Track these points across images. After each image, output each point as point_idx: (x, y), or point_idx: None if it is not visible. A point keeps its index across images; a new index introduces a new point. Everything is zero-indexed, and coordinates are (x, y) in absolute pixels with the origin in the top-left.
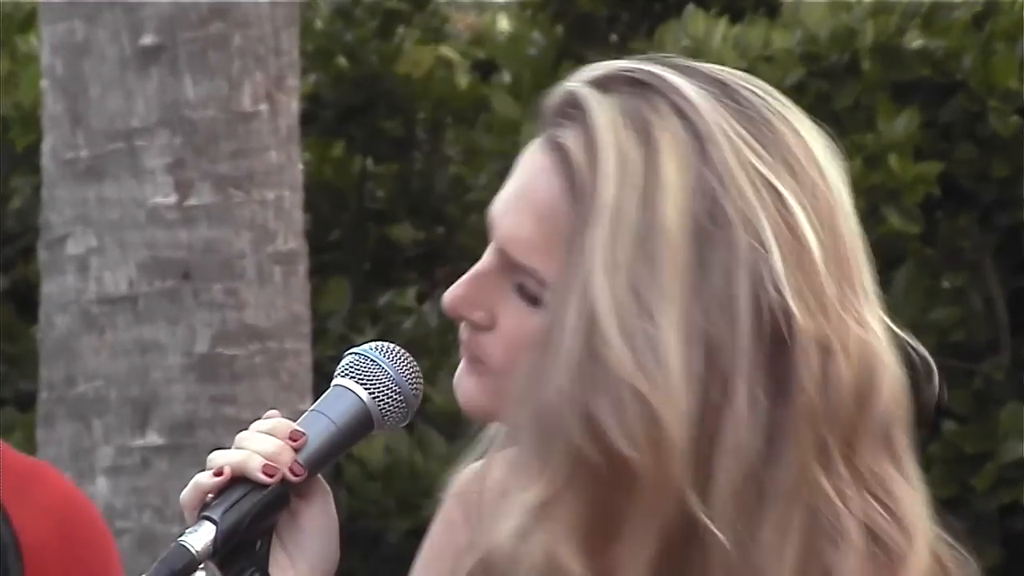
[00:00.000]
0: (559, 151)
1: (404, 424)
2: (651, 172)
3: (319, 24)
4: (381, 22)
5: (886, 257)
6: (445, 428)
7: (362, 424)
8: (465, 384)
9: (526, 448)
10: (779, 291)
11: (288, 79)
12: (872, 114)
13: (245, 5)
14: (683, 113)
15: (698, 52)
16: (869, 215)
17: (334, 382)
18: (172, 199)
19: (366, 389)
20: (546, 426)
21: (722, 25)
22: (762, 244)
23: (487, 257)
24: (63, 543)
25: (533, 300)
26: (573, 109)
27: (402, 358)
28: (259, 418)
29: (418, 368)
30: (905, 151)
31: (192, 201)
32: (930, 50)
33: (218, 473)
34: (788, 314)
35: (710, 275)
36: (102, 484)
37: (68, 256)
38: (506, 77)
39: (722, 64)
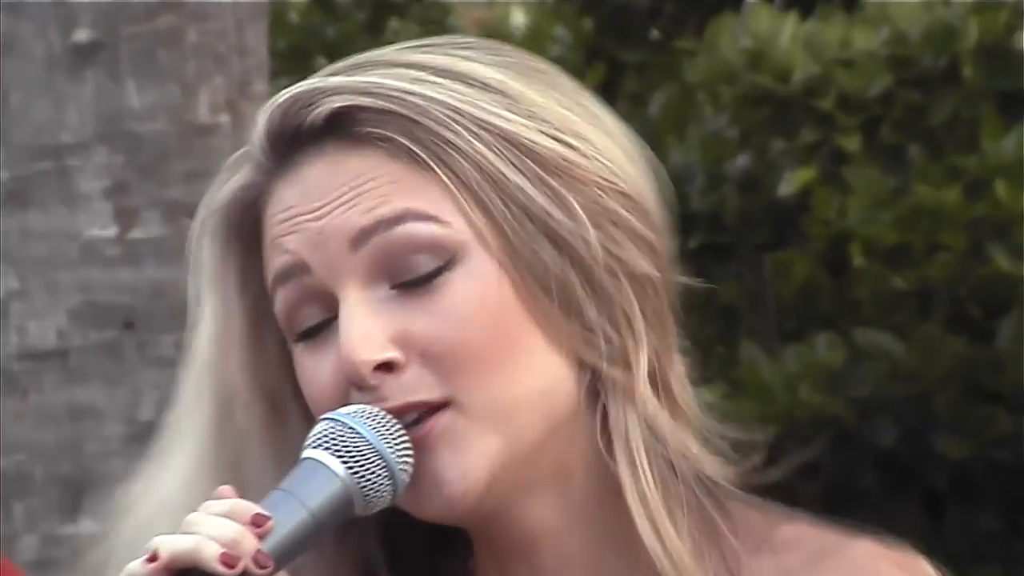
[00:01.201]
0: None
1: (389, 506)
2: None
3: (294, 17)
4: (370, 14)
5: (990, 303)
6: None
7: (340, 506)
8: (459, 464)
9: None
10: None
11: (254, 84)
12: (975, 131)
13: None
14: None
15: (760, 54)
16: (971, 253)
17: (304, 454)
18: (112, 231)
19: (344, 463)
20: (610, 295)
21: (791, 21)
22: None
23: (347, 296)
24: None
25: (427, 277)
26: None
27: (387, 425)
28: (210, 498)
29: (407, 437)
30: (1015, 176)
31: (137, 234)
32: None
33: (152, 559)
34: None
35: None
36: None
37: None
38: None
39: (791, 68)
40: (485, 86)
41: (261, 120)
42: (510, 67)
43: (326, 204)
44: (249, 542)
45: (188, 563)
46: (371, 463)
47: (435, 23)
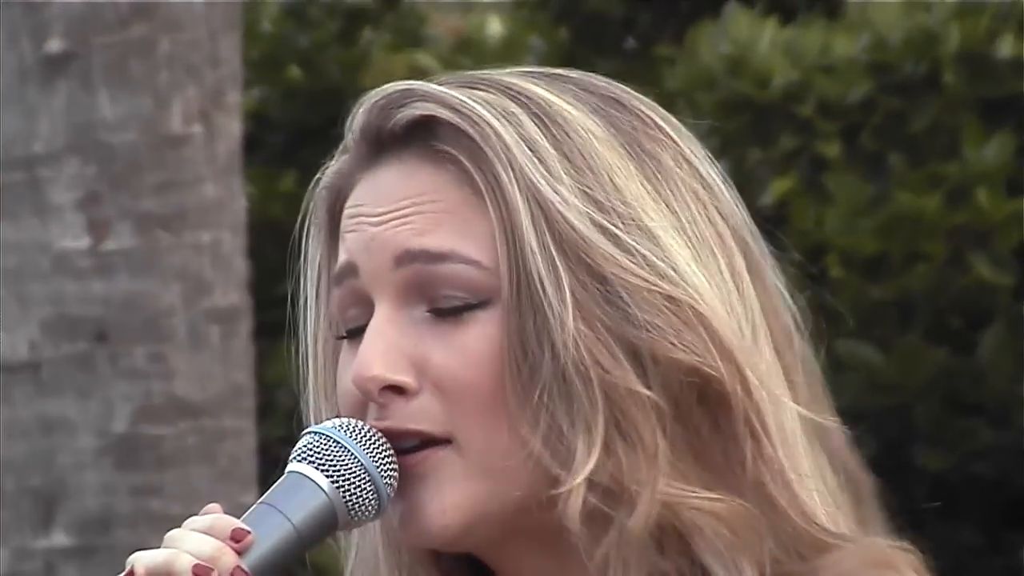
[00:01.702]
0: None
1: (374, 520)
2: (544, 106)
3: (266, 26)
4: (343, 24)
5: (971, 313)
6: None
7: (324, 521)
8: (442, 500)
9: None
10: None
11: (228, 94)
12: (956, 138)
13: (175, 4)
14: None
15: (741, 59)
16: (951, 262)
17: (288, 468)
18: (84, 243)
19: (328, 477)
20: (577, 394)
21: (770, 26)
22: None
23: (380, 309)
24: None
25: (459, 309)
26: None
27: (372, 438)
28: (194, 514)
29: (392, 451)
30: (996, 184)
31: (109, 245)
32: None
33: (129, 574)
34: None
35: (660, 169)
36: None
37: None
38: None
39: (771, 74)
40: (565, 141)
41: (360, 112)
42: (616, 127)
43: (387, 212)
44: (228, 558)
45: None
46: (356, 476)
47: (409, 32)
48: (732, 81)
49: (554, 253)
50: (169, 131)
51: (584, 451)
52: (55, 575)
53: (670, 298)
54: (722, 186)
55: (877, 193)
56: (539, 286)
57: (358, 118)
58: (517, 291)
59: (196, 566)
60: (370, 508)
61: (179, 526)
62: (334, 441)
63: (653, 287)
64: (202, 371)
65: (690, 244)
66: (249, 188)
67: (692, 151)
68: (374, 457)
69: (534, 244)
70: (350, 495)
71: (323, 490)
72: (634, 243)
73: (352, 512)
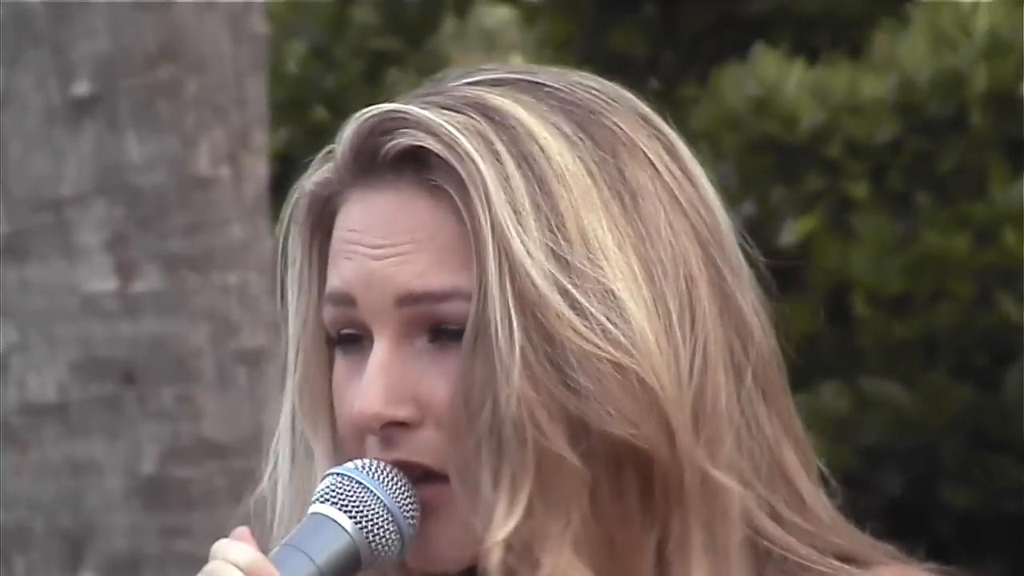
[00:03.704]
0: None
1: (397, 558)
2: (519, 141)
3: (292, 67)
4: (368, 64)
5: (996, 352)
6: None
7: (347, 561)
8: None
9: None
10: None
11: (255, 135)
12: (983, 178)
13: (202, 45)
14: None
15: (768, 100)
16: (978, 301)
17: (311, 509)
18: (112, 284)
19: (352, 519)
20: (510, 451)
21: (798, 67)
22: (670, 171)
23: (381, 343)
24: None
25: (460, 334)
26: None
27: (394, 479)
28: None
29: (411, 488)
30: (1022, 224)
31: (137, 287)
32: None
33: None
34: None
35: (637, 207)
36: None
37: None
38: None
39: (798, 115)
40: (540, 182)
41: (349, 131)
42: (593, 154)
43: (385, 247)
44: None
45: None
46: (379, 517)
47: (434, 72)
48: (758, 122)
49: (511, 307)
50: (196, 172)
51: (504, 511)
52: None
53: (617, 365)
54: (700, 193)
55: (905, 233)
56: (494, 336)
57: (347, 135)
58: (475, 336)
59: None
60: (393, 546)
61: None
62: (356, 482)
63: (602, 353)
64: (230, 412)
65: (650, 295)
66: (276, 229)
67: (670, 158)
68: (395, 496)
69: (496, 294)
70: (373, 535)
71: (346, 531)
72: (590, 306)
73: (375, 551)
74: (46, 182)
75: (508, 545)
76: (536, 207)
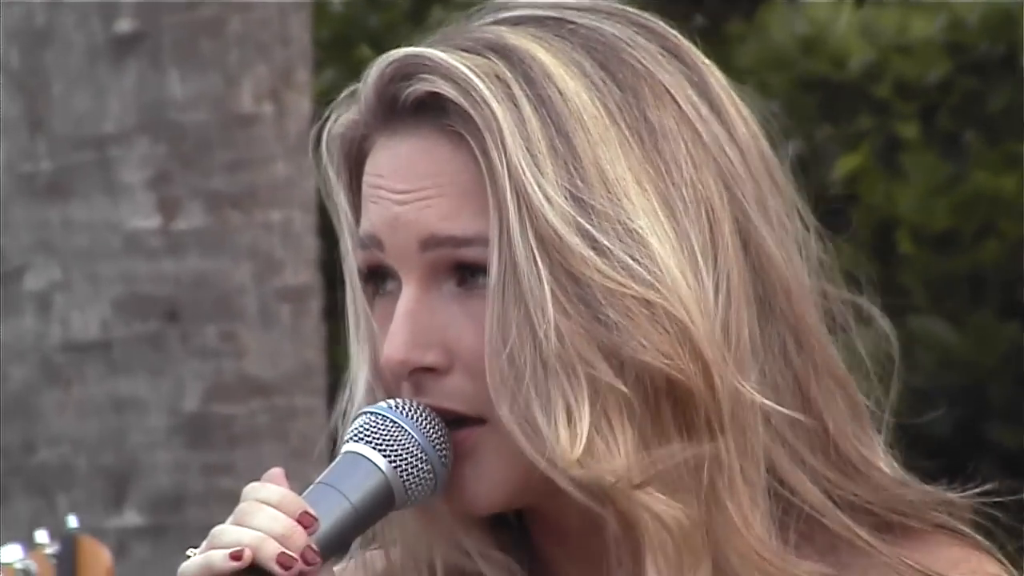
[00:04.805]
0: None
1: (430, 497)
2: (534, 81)
3: (336, 6)
4: (413, 3)
5: None
6: None
7: (382, 499)
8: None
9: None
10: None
11: (298, 73)
12: None
13: None
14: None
15: (817, 39)
16: None
17: (345, 448)
18: (155, 222)
19: (386, 457)
20: (560, 384)
21: (847, 8)
22: (693, 107)
23: (408, 288)
24: None
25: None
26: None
27: (427, 417)
28: (256, 479)
29: (444, 428)
30: None
31: (180, 224)
32: None
33: (236, 556)
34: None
35: (657, 143)
36: None
37: (26, 292)
38: None
39: (848, 54)
40: (558, 125)
41: (372, 76)
42: (616, 96)
43: (409, 191)
44: (299, 538)
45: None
46: (412, 456)
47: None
48: (807, 61)
49: (535, 251)
50: (239, 110)
51: (568, 441)
52: (127, 554)
53: (644, 301)
54: (728, 129)
55: (954, 172)
56: (523, 279)
57: (371, 81)
58: (503, 281)
59: (281, 554)
60: (427, 486)
61: (245, 499)
62: (390, 421)
63: (627, 291)
64: (273, 350)
65: (672, 232)
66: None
67: (697, 95)
68: (429, 435)
69: (519, 240)
70: (407, 474)
71: (381, 469)
72: (612, 246)
73: (409, 490)
74: (89, 120)
75: (579, 475)
76: (553, 150)
